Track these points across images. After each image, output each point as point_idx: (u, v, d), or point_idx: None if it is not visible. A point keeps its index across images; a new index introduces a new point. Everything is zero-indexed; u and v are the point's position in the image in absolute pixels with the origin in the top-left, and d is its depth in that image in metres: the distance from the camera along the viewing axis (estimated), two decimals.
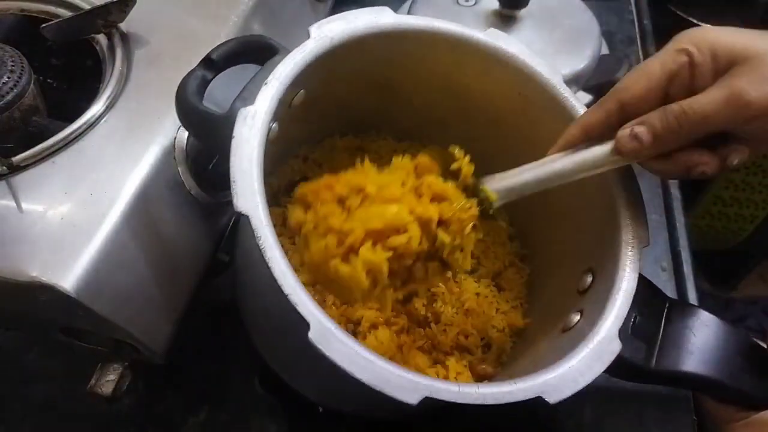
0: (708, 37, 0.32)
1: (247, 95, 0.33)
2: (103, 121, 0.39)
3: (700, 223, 1.02)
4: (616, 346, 0.32)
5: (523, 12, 0.59)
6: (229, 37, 0.44)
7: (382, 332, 0.41)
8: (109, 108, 0.39)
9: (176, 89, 0.35)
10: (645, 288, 0.36)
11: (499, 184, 0.37)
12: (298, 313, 0.28)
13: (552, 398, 0.30)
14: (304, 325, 0.28)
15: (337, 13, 0.38)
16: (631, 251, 0.35)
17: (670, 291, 0.52)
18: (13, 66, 0.39)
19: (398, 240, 0.32)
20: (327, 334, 0.28)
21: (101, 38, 0.44)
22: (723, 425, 0.39)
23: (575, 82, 0.58)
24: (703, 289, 0.54)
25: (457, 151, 0.37)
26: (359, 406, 0.41)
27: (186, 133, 0.40)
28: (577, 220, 0.42)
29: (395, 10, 0.39)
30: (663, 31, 0.74)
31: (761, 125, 0.31)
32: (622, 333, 0.33)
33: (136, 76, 0.42)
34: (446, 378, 0.41)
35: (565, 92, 0.40)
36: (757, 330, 1.12)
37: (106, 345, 0.40)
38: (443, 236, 0.34)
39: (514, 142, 0.38)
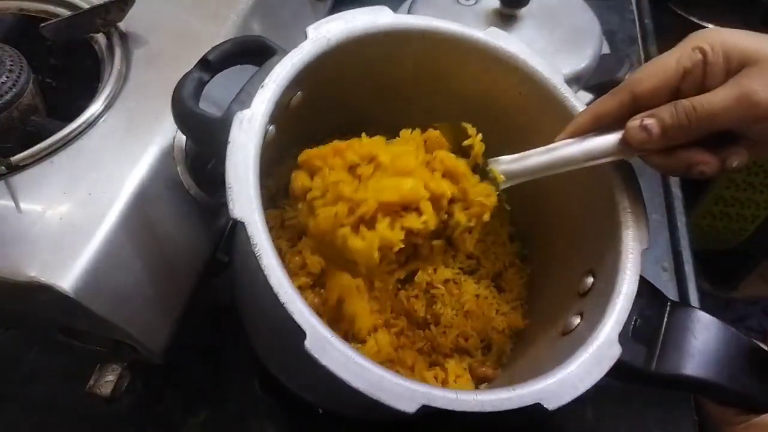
0: (722, 38, 0.32)
1: (243, 98, 0.33)
2: (102, 120, 0.39)
3: (701, 223, 1.02)
4: (615, 351, 0.32)
5: (523, 11, 0.58)
6: (228, 37, 0.44)
7: (382, 335, 0.41)
8: (108, 108, 0.39)
9: (172, 92, 0.35)
10: (646, 290, 0.36)
11: (506, 166, 0.37)
12: (295, 322, 0.28)
13: (551, 405, 0.30)
14: (301, 333, 0.27)
15: (337, 12, 0.38)
16: (632, 253, 0.35)
17: (671, 291, 0.52)
18: (11, 65, 0.39)
19: (416, 222, 0.32)
20: (323, 342, 0.27)
21: (100, 38, 0.44)
22: (724, 428, 0.39)
23: (576, 81, 0.58)
24: (703, 289, 0.53)
25: (469, 128, 0.36)
26: (358, 411, 0.41)
27: None
28: (577, 220, 0.42)
29: (395, 9, 0.39)
30: (664, 31, 0.74)
31: None
32: (623, 336, 0.33)
33: (135, 76, 0.41)
34: (445, 380, 0.41)
35: (566, 92, 0.40)
36: (758, 330, 1.12)
37: (105, 345, 0.40)
38: (460, 217, 0.34)
39: (514, 141, 0.37)
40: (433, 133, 0.36)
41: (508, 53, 0.40)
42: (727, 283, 1.11)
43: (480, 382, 0.43)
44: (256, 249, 0.29)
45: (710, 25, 0.86)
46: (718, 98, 0.31)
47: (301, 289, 0.42)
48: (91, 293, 0.33)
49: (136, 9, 0.42)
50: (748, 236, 1.02)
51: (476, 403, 0.29)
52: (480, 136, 0.36)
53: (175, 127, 0.39)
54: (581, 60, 0.57)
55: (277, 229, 0.45)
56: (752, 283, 1.10)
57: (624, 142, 0.34)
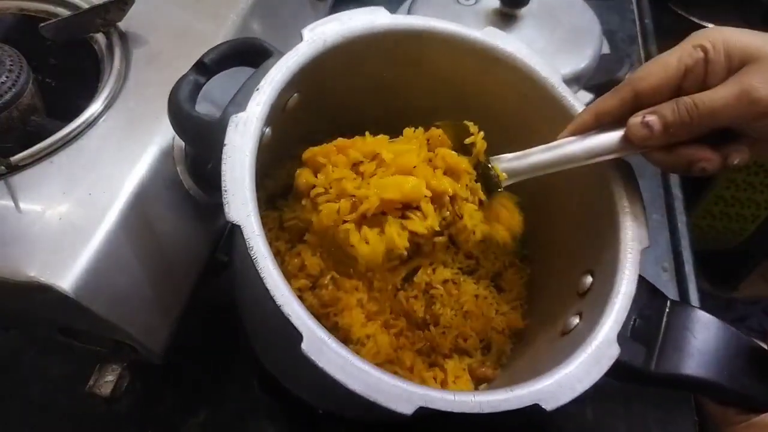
0: (724, 37, 0.33)
1: (239, 100, 0.33)
2: (101, 120, 0.39)
3: (701, 223, 1.02)
4: (614, 351, 0.32)
5: (523, 11, 0.58)
6: (228, 37, 0.44)
7: (381, 337, 0.41)
8: (107, 107, 0.39)
9: (168, 95, 0.35)
10: (645, 289, 0.36)
11: (508, 164, 0.37)
12: (291, 324, 0.28)
13: (549, 405, 0.30)
14: (297, 335, 0.27)
15: (337, 11, 0.38)
16: (630, 253, 0.35)
17: (671, 291, 0.52)
18: (11, 65, 0.39)
19: (420, 227, 0.32)
20: (320, 344, 0.27)
21: (100, 37, 0.44)
22: (724, 428, 0.39)
23: (576, 81, 0.58)
24: (703, 289, 0.53)
25: (471, 126, 0.36)
26: (357, 412, 0.41)
27: None
28: (576, 220, 0.42)
29: (395, 9, 0.39)
30: (664, 31, 0.74)
31: None
32: (622, 337, 0.33)
33: (134, 76, 0.41)
34: (445, 381, 0.41)
35: (564, 91, 0.40)
36: (758, 330, 1.12)
37: (105, 345, 0.40)
38: (468, 221, 0.34)
39: (514, 140, 0.37)
40: (436, 132, 0.36)
41: (506, 53, 0.40)
42: (727, 283, 1.11)
43: (480, 382, 0.43)
44: (252, 252, 0.29)
45: (710, 25, 0.86)
46: (719, 95, 0.32)
47: (300, 291, 0.42)
48: (90, 293, 0.33)
49: (136, 9, 0.42)
50: (748, 236, 1.02)
51: (474, 405, 0.29)
52: (482, 134, 0.37)
53: None
54: (581, 60, 0.57)
55: (275, 230, 0.45)
56: (752, 283, 1.10)
57: (626, 138, 0.34)
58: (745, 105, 0.31)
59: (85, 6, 0.43)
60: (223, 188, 0.30)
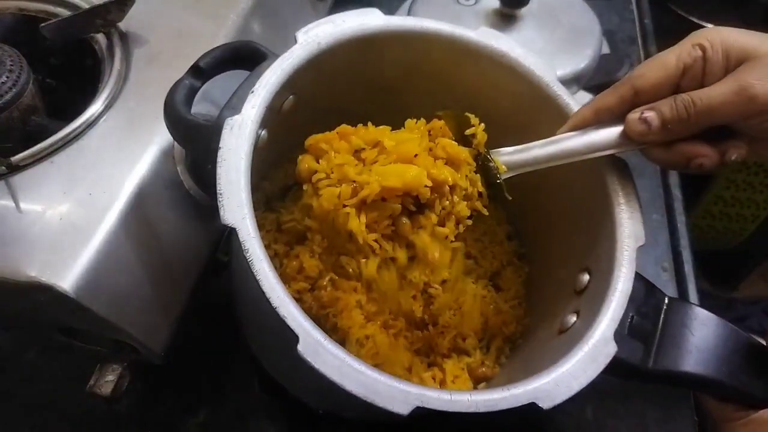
0: (722, 36, 0.33)
1: (234, 103, 0.33)
2: (102, 120, 0.39)
3: (701, 223, 1.02)
4: (611, 349, 0.32)
5: (523, 11, 0.59)
6: (228, 37, 0.44)
7: (379, 337, 0.41)
8: (108, 107, 0.39)
9: (164, 99, 0.35)
10: (642, 287, 0.36)
11: (507, 157, 0.37)
12: (287, 326, 0.28)
13: (545, 404, 0.30)
14: (293, 337, 0.27)
15: (338, 12, 0.38)
16: (627, 250, 0.35)
17: (671, 291, 0.52)
18: (11, 65, 0.39)
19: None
20: (316, 346, 0.28)
21: (100, 38, 0.44)
22: (723, 424, 0.39)
23: (576, 81, 0.58)
24: (703, 289, 0.53)
25: (472, 118, 0.37)
26: (355, 412, 0.41)
27: None
28: (573, 217, 0.42)
29: (395, 9, 0.39)
30: (664, 31, 0.74)
31: (765, 120, 0.32)
32: (619, 334, 0.33)
33: (135, 76, 0.42)
34: (443, 381, 0.41)
35: (558, 89, 0.40)
36: (758, 330, 1.11)
37: (105, 345, 0.40)
38: (461, 207, 0.35)
39: (509, 139, 0.38)
40: (437, 123, 0.36)
41: (500, 52, 0.40)
42: (727, 283, 1.11)
43: (479, 381, 0.43)
44: (248, 254, 0.29)
45: (710, 25, 0.86)
46: (716, 92, 0.32)
47: (299, 293, 0.42)
48: (91, 293, 0.33)
49: (136, 9, 0.42)
50: (748, 236, 1.02)
51: (470, 404, 0.29)
52: (482, 125, 0.37)
53: None
54: (581, 60, 0.57)
55: (273, 232, 0.45)
56: (752, 283, 1.10)
57: (624, 134, 0.35)
58: (742, 102, 0.31)
59: (86, 6, 0.43)
60: (218, 191, 0.30)
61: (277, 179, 0.47)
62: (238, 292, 0.42)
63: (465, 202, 0.35)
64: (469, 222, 0.35)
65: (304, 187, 0.35)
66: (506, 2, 0.58)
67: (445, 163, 0.35)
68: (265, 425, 0.45)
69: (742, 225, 1.01)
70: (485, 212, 0.37)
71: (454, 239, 0.35)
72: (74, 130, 0.38)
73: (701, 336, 0.35)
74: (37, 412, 0.46)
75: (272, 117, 0.35)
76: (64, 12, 0.45)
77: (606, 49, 0.65)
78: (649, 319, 0.35)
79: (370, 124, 0.36)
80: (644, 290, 0.36)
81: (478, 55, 0.41)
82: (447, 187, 0.34)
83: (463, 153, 0.35)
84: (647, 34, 0.73)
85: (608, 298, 0.34)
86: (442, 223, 0.34)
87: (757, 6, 0.88)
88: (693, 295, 0.52)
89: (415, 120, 0.37)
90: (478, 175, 0.36)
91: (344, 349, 0.28)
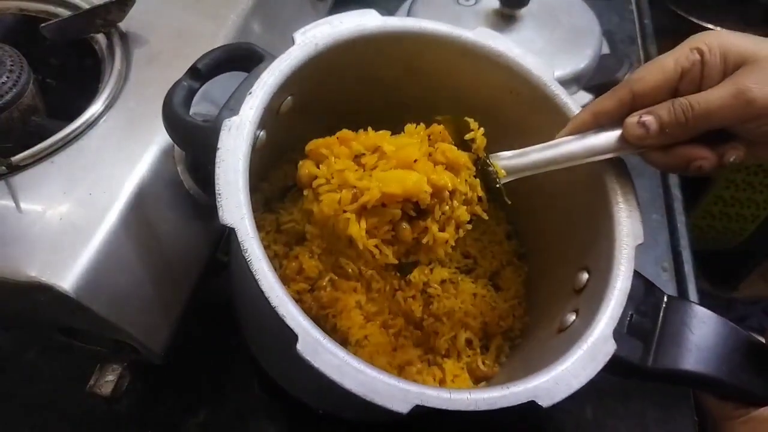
0: (720, 40, 0.33)
1: (232, 105, 0.33)
2: (102, 120, 0.39)
3: (701, 223, 1.02)
4: (610, 347, 0.32)
5: (523, 11, 0.59)
6: (228, 37, 0.44)
7: (379, 337, 0.41)
8: (108, 107, 0.39)
9: (163, 101, 0.35)
10: (641, 285, 0.36)
11: (507, 161, 0.37)
12: (286, 325, 0.28)
13: (545, 402, 0.30)
14: (293, 336, 0.27)
15: (338, 12, 0.38)
16: (625, 249, 0.35)
17: (671, 291, 0.52)
18: (12, 65, 0.39)
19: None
20: (315, 344, 0.28)
21: (100, 38, 0.44)
22: (722, 422, 0.39)
23: (576, 81, 0.58)
24: (703, 289, 0.53)
25: (472, 122, 0.37)
26: (355, 412, 0.41)
27: None
28: (572, 217, 0.42)
29: (395, 9, 0.39)
30: (664, 31, 0.74)
31: (762, 124, 0.32)
32: (618, 333, 0.33)
33: (135, 76, 0.42)
34: (443, 380, 0.41)
35: (556, 89, 0.40)
36: (759, 330, 1.11)
37: (105, 345, 0.40)
38: (460, 212, 0.35)
39: (508, 138, 0.38)
40: (437, 128, 0.36)
41: (497, 52, 0.40)
42: (727, 283, 1.11)
43: (479, 380, 0.43)
44: (247, 254, 0.29)
45: (710, 26, 0.86)
46: (714, 96, 0.32)
47: (299, 294, 0.42)
48: (91, 293, 0.33)
49: (136, 9, 0.43)
50: (748, 236, 1.02)
51: (470, 402, 0.29)
52: (482, 130, 0.37)
53: None
54: (581, 60, 0.57)
55: (272, 233, 0.45)
56: (752, 283, 1.10)
57: (623, 138, 0.35)
58: (739, 106, 0.31)
59: (86, 6, 0.43)
60: (216, 192, 0.30)
61: (275, 180, 0.47)
62: (238, 292, 0.42)
63: (465, 207, 0.35)
64: (469, 227, 0.35)
65: (305, 192, 0.35)
66: (506, 2, 0.58)
67: (445, 168, 0.35)
68: (265, 425, 0.45)
69: (741, 225, 1.01)
70: (485, 217, 0.37)
71: (454, 244, 0.35)
72: (74, 130, 0.38)
73: (701, 334, 0.36)
74: (37, 412, 0.46)
75: (270, 118, 0.35)
76: (65, 12, 0.45)
77: (606, 49, 0.65)
78: (648, 317, 0.35)
79: (370, 129, 0.36)
80: (643, 289, 0.36)
81: (475, 55, 0.41)
82: (447, 192, 0.34)
83: (463, 158, 0.35)
84: (647, 35, 0.73)
85: (607, 297, 0.34)
86: (442, 228, 0.34)
87: (757, 6, 0.88)
88: (693, 295, 0.52)
89: (414, 125, 0.37)
90: (478, 179, 0.36)
91: (344, 348, 0.28)
